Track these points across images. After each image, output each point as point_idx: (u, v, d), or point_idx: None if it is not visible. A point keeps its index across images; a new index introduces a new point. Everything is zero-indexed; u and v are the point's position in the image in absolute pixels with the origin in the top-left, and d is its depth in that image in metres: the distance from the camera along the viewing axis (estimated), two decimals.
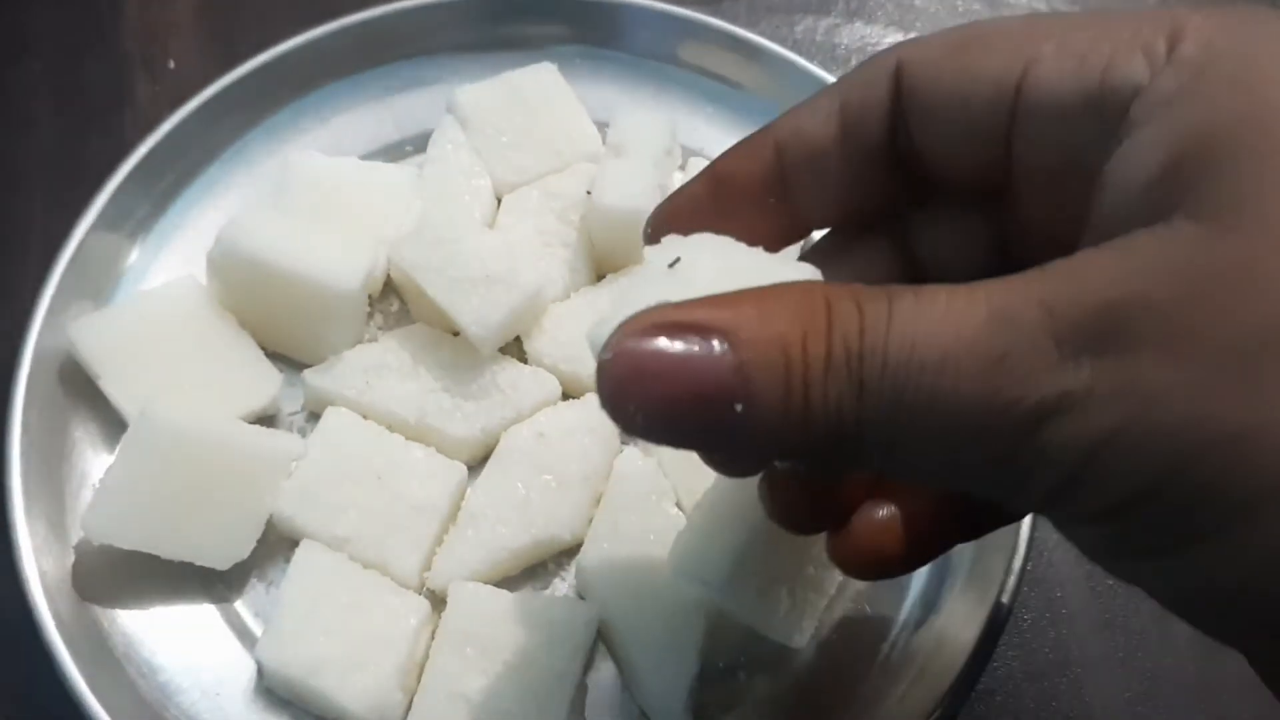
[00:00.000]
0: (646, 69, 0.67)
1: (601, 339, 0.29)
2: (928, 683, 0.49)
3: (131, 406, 0.53)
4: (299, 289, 0.54)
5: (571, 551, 0.54)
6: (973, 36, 0.34)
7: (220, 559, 0.51)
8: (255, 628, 0.52)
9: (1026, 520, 0.51)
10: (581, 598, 0.53)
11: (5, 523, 0.51)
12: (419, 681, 0.50)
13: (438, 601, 0.52)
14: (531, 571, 0.54)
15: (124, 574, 0.51)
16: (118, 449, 0.52)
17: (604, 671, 0.52)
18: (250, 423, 0.55)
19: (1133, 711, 0.53)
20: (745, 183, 0.38)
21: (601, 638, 0.52)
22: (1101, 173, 0.30)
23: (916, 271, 0.39)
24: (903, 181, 0.37)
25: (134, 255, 0.60)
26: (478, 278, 0.54)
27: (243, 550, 0.51)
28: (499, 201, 0.62)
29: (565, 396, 0.57)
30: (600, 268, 0.61)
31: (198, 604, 0.52)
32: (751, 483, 0.39)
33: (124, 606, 0.52)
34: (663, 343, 0.28)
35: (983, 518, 0.38)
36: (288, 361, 0.57)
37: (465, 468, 0.55)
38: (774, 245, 0.36)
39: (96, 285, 0.58)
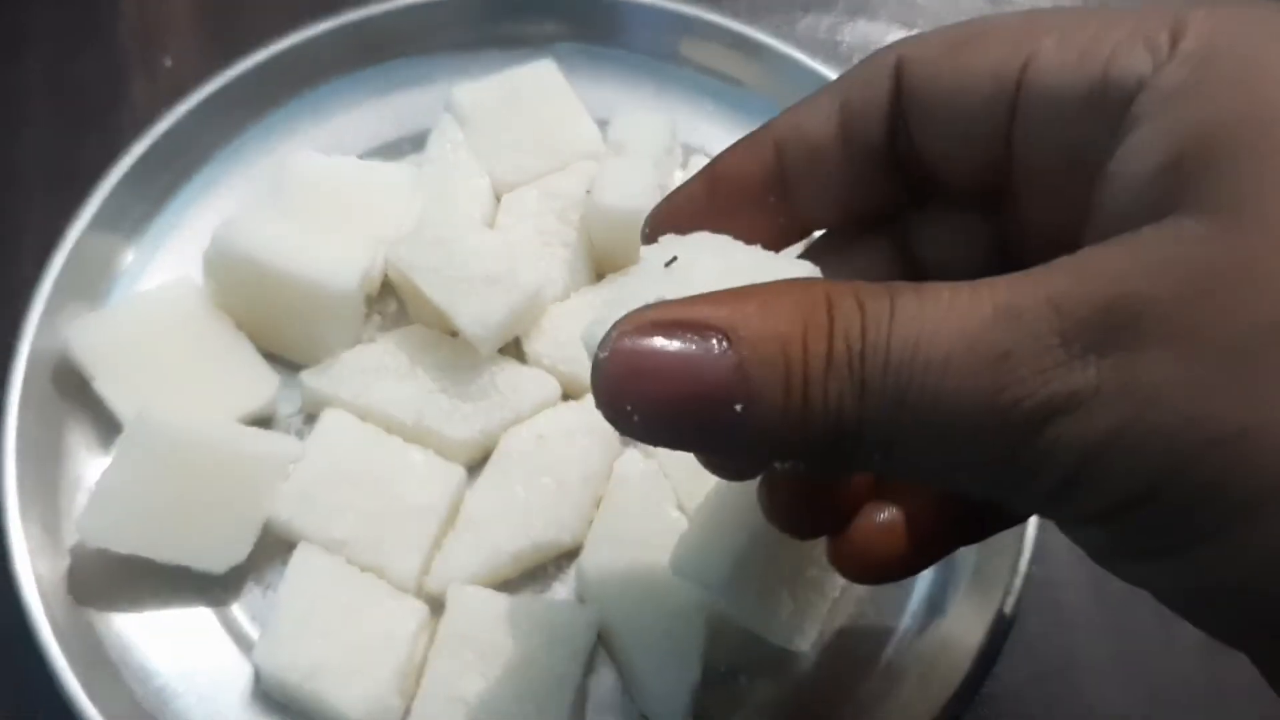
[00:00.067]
0: (647, 66, 0.66)
1: (597, 338, 0.29)
2: (931, 687, 0.49)
3: (127, 409, 0.53)
4: (296, 289, 0.54)
5: (571, 554, 0.54)
6: (972, 33, 0.34)
7: (217, 562, 0.50)
8: (252, 632, 0.52)
9: (1031, 523, 0.51)
10: (582, 601, 0.53)
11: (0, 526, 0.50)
12: (417, 686, 0.50)
13: (436, 605, 0.51)
14: (531, 575, 0.54)
15: (120, 578, 0.51)
16: (113, 452, 0.52)
17: (604, 675, 0.51)
18: (247, 425, 0.55)
19: (1138, 715, 0.53)
20: (744, 182, 0.37)
21: (602, 641, 0.51)
22: (1104, 169, 0.30)
23: (916, 272, 0.38)
24: (903, 181, 0.37)
25: (130, 256, 0.60)
26: (477, 278, 0.54)
27: (239, 554, 0.51)
28: (498, 201, 0.61)
29: (565, 398, 0.57)
30: (600, 268, 0.60)
31: (194, 608, 0.52)
32: (753, 485, 0.39)
33: (120, 610, 0.51)
34: (660, 341, 0.28)
35: (985, 520, 0.37)
36: (285, 363, 0.57)
37: (464, 470, 0.54)
38: (773, 245, 0.35)
39: (92, 286, 0.58)
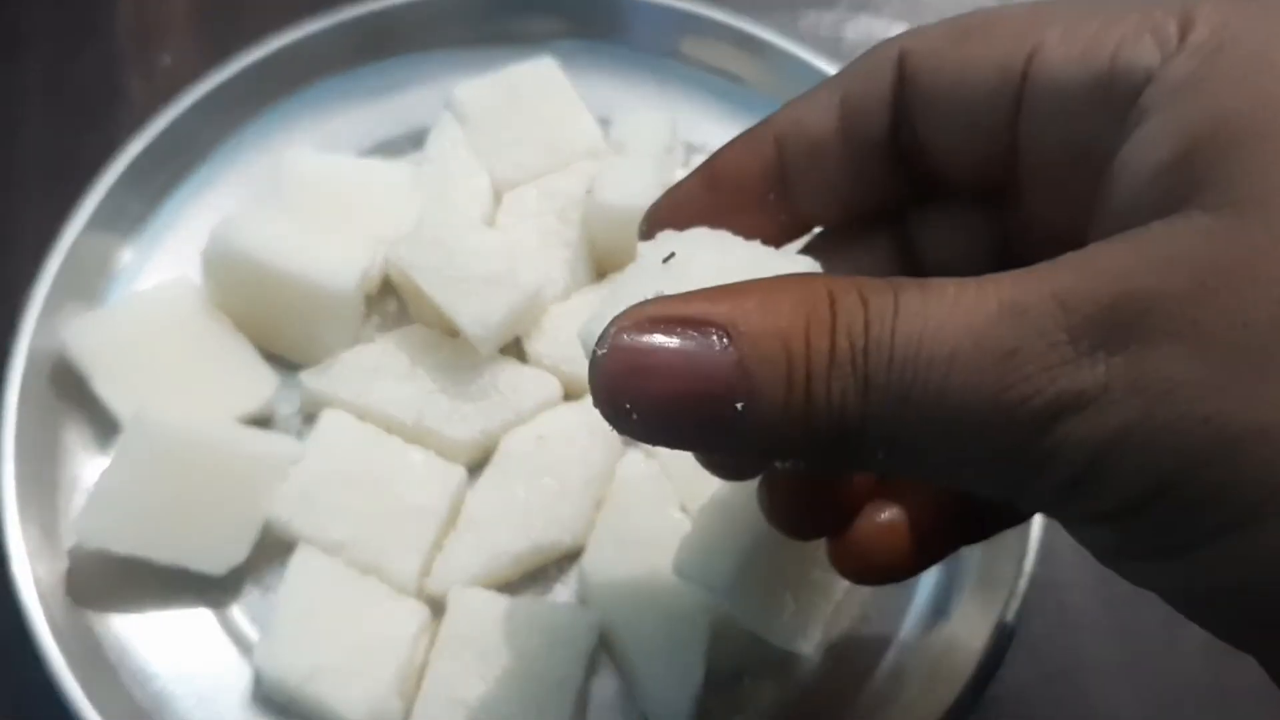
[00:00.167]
0: (648, 64, 0.66)
1: (594, 335, 0.28)
2: (935, 689, 0.49)
3: (125, 409, 0.53)
4: (295, 289, 0.54)
5: (573, 556, 0.53)
6: (976, 24, 0.33)
7: (216, 564, 0.50)
8: (252, 634, 0.51)
9: (1036, 523, 0.50)
10: (583, 603, 0.52)
11: None
12: (418, 688, 0.49)
13: (437, 607, 0.51)
14: (532, 576, 0.53)
15: (118, 579, 0.51)
16: (112, 452, 0.52)
17: (606, 678, 0.51)
18: (246, 425, 0.54)
19: (1144, 717, 0.53)
20: (743, 178, 0.37)
21: (603, 643, 0.51)
22: (1112, 162, 0.29)
23: (917, 270, 0.38)
24: (904, 177, 0.36)
25: (127, 255, 0.60)
26: (477, 278, 0.54)
27: (239, 555, 0.51)
28: (499, 200, 0.61)
29: (566, 398, 0.56)
30: (601, 267, 0.60)
31: (193, 609, 0.52)
32: (755, 485, 0.39)
33: (118, 612, 0.51)
34: (659, 338, 0.27)
35: (987, 519, 0.37)
36: (284, 363, 0.57)
37: (464, 471, 0.54)
38: (772, 242, 0.35)
39: (89, 286, 0.58)
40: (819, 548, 0.44)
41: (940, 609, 0.52)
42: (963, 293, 0.27)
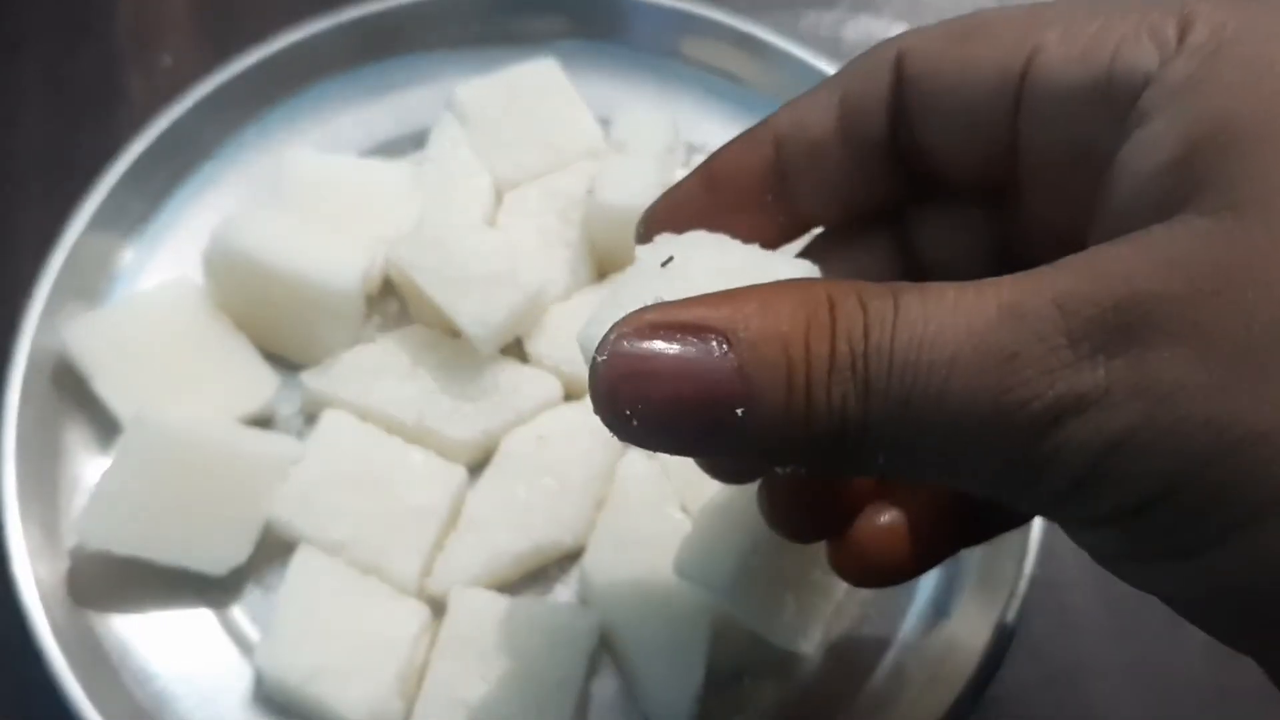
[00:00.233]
0: (649, 64, 0.66)
1: (593, 340, 0.28)
2: (936, 690, 0.49)
3: (126, 409, 0.53)
4: (296, 289, 0.54)
5: (574, 556, 0.53)
6: (975, 25, 0.33)
7: (217, 564, 0.50)
8: (253, 634, 0.51)
9: (1036, 525, 0.50)
10: (584, 603, 0.52)
11: None
12: (419, 688, 0.49)
13: (438, 607, 0.51)
14: (533, 576, 0.53)
15: (119, 580, 0.51)
16: (112, 452, 0.52)
17: (607, 678, 0.51)
18: (247, 425, 0.54)
19: (1145, 718, 0.53)
20: (742, 179, 0.37)
21: (604, 644, 0.51)
22: (1111, 164, 0.29)
23: (916, 271, 0.38)
24: (904, 177, 0.36)
25: (128, 255, 0.60)
26: (477, 278, 0.54)
27: (239, 555, 0.51)
28: (499, 199, 0.61)
29: (567, 398, 0.56)
30: (602, 267, 0.60)
31: (194, 610, 0.52)
32: (756, 486, 0.39)
33: (120, 612, 0.51)
34: (659, 344, 0.27)
35: (987, 521, 0.37)
36: (285, 363, 0.57)
37: (465, 471, 0.54)
38: (771, 244, 0.35)
39: (90, 286, 0.57)
40: (819, 549, 0.44)
41: (940, 609, 0.52)
42: (962, 297, 0.27)
